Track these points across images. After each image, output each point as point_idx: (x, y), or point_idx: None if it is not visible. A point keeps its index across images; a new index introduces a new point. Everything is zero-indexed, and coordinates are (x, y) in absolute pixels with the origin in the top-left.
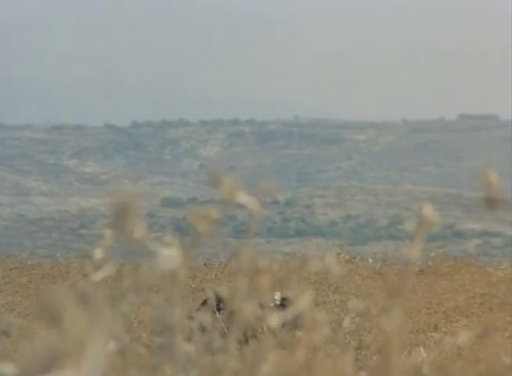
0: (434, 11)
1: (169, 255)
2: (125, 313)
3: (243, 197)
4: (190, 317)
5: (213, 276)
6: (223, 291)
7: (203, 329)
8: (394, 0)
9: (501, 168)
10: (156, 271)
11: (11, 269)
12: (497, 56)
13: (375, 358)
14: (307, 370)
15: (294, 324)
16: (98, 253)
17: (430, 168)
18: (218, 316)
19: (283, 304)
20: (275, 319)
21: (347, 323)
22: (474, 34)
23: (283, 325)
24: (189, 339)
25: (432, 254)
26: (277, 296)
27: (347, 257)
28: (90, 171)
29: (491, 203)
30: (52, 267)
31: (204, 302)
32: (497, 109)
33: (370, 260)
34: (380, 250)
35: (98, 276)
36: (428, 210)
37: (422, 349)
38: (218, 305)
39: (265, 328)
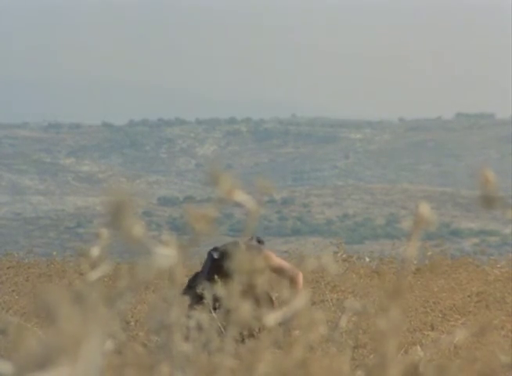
0: (432, 11)
1: (166, 254)
2: (122, 312)
3: (240, 196)
4: (187, 316)
5: None
6: (219, 290)
7: (200, 328)
8: (392, 1)
9: (498, 166)
10: (152, 270)
11: (8, 268)
12: (494, 56)
13: (372, 357)
14: (303, 369)
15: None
16: (94, 252)
17: (427, 166)
18: (214, 314)
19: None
20: (272, 318)
21: (344, 321)
22: (472, 34)
23: (280, 324)
24: (186, 338)
25: (429, 253)
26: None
27: (344, 256)
28: (86, 169)
29: (488, 201)
30: (49, 266)
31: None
32: (494, 108)
33: (367, 259)
34: (376, 248)
35: (94, 274)
36: (425, 208)
37: (419, 348)
38: (214, 303)
39: (261, 327)
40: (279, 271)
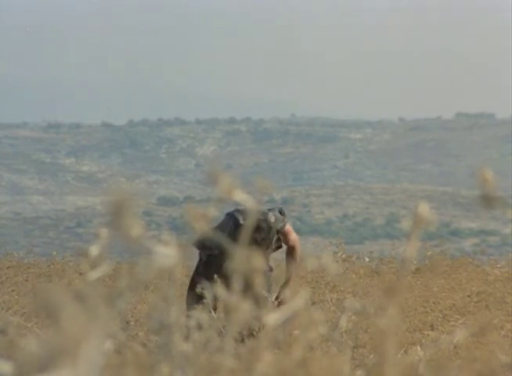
0: (431, 12)
1: (166, 254)
2: (122, 312)
3: (240, 196)
4: (187, 316)
5: None
6: (219, 290)
7: (199, 328)
8: (392, 1)
9: (498, 166)
10: (152, 270)
11: (7, 268)
12: (493, 56)
13: (371, 357)
14: (303, 368)
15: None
16: (94, 251)
17: (426, 166)
18: (214, 314)
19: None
20: (271, 318)
21: (343, 321)
22: (471, 34)
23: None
24: (186, 338)
25: (429, 253)
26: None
27: (343, 256)
28: (86, 169)
29: (488, 201)
30: (49, 266)
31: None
32: (493, 107)
33: (367, 259)
34: (376, 249)
35: (94, 274)
36: (425, 208)
37: (418, 348)
38: (214, 303)
39: (261, 327)
40: (291, 247)
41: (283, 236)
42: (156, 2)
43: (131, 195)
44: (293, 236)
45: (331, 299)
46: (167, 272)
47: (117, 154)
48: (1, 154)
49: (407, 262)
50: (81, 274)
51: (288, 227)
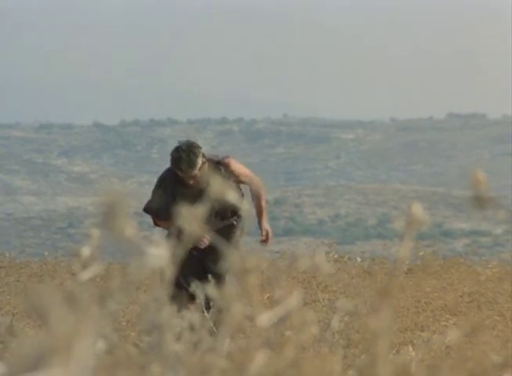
0: (423, 12)
1: (157, 254)
2: (113, 312)
3: (232, 196)
4: (179, 316)
5: None
6: (212, 290)
7: (191, 328)
8: (385, 2)
9: (489, 166)
10: (144, 270)
11: None
12: (485, 57)
13: (363, 357)
14: (295, 369)
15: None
16: (86, 252)
17: (418, 166)
18: (206, 314)
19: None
20: (264, 318)
21: (335, 322)
22: (463, 35)
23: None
24: (177, 338)
25: (421, 253)
26: None
27: (335, 256)
28: (78, 170)
29: (479, 202)
30: (40, 266)
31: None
32: (485, 108)
33: (359, 259)
34: (368, 249)
35: (86, 275)
36: (417, 209)
37: (410, 348)
38: (207, 303)
39: (253, 327)
40: (248, 184)
41: (225, 167)
42: (153, 3)
43: (123, 195)
44: (245, 171)
45: (323, 299)
46: (159, 273)
47: (109, 155)
48: None
49: (399, 263)
50: (72, 274)
51: (232, 159)
